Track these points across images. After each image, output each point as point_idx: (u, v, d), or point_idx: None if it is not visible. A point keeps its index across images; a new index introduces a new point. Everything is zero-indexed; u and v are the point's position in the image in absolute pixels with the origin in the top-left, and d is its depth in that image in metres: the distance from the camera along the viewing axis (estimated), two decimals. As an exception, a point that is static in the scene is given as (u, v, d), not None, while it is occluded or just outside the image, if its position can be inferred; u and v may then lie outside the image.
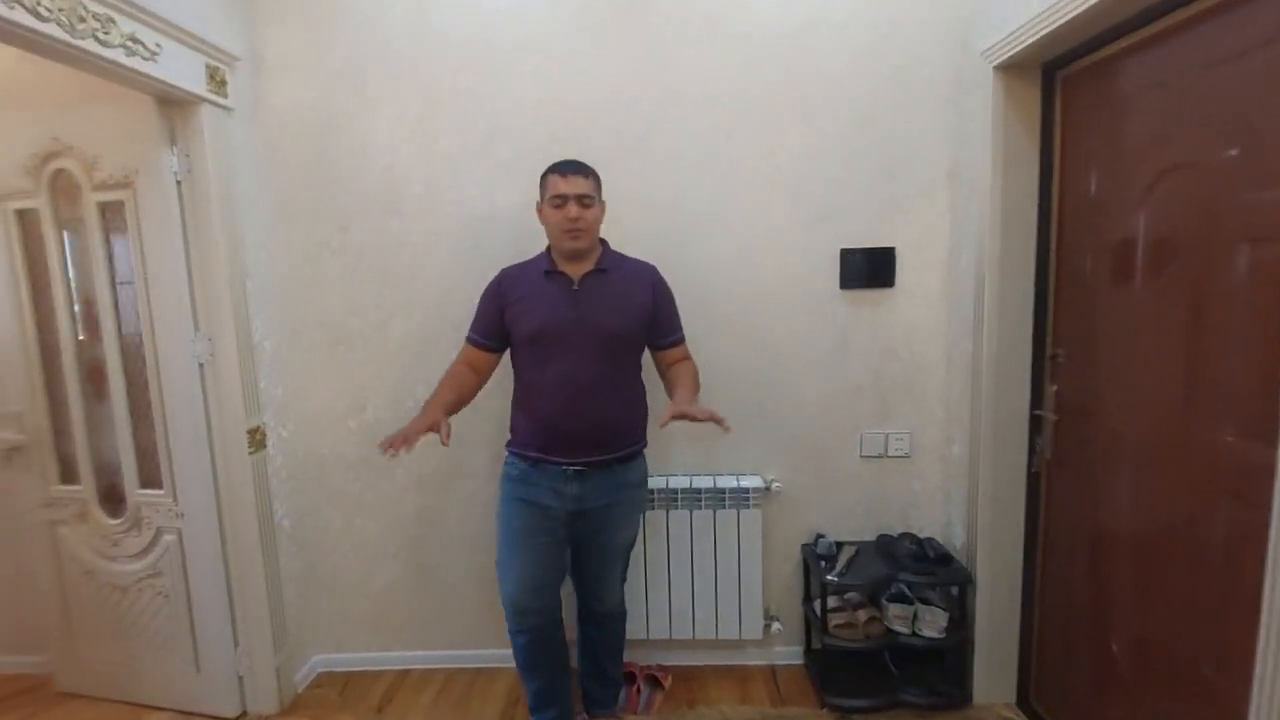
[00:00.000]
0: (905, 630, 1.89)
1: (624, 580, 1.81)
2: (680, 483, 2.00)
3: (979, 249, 1.78)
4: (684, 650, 2.11)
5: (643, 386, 1.71)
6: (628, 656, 2.11)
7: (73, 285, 1.92)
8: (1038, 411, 1.75)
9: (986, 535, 1.83)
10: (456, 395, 1.62)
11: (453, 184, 1.98)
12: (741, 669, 2.14)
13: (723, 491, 1.98)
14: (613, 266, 1.64)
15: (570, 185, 1.56)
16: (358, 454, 2.08)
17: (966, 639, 1.89)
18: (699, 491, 1.99)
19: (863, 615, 1.92)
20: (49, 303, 1.93)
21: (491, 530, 1.74)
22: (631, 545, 1.79)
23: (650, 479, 1.98)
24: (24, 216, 1.91)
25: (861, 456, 2.05)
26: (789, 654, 2.15)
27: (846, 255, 1.96)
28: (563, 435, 1.57)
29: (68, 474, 1.99)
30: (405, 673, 2.17)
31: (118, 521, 1.96)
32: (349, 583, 2.15)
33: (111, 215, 1.84)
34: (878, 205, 1.95)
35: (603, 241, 1.68)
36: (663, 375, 1.72)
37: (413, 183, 1.98)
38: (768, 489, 2.02)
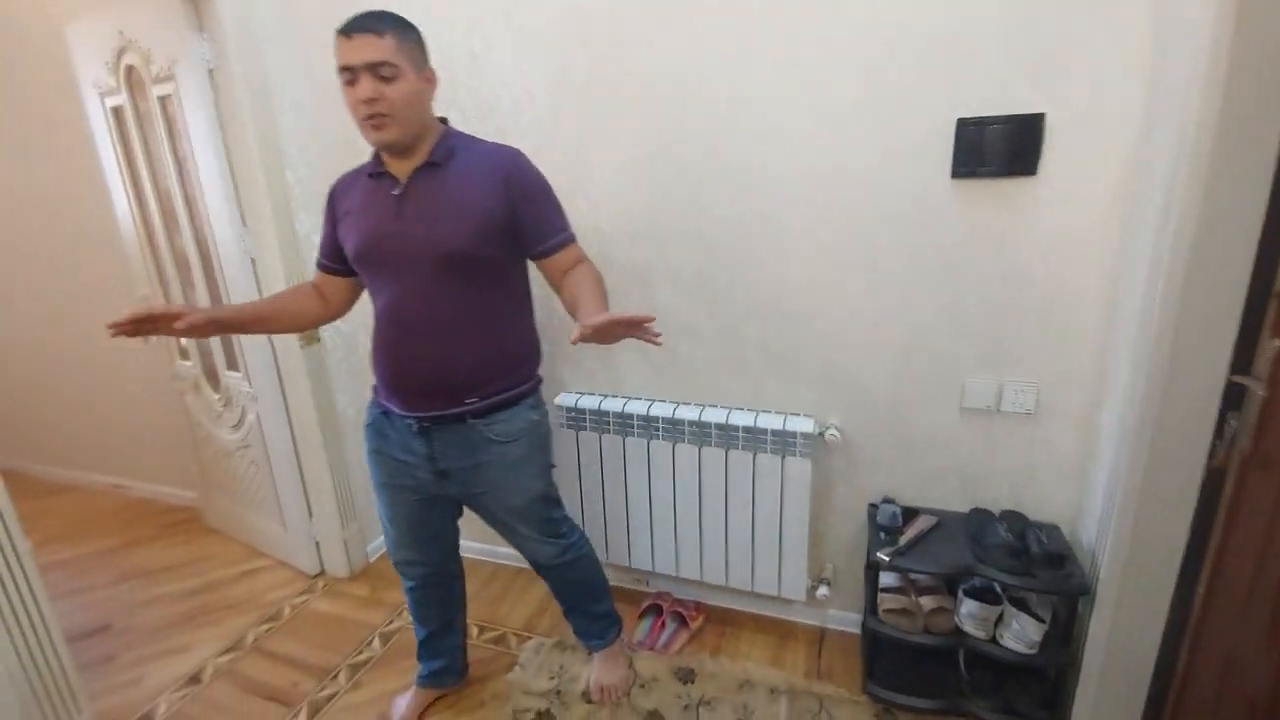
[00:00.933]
0: (981, 635, 1.47)
1: (557, 533, 1.50)
2: (715, 416, 1.69)
3: (1187, 124, 1.10)
4: (725, 593, 1.91)
5: (521, 318, 1.36)
6: (664, 586, 1.98)
7: (153, 179, 2.06)
8: (1239, 378, 1.13)
9: (1129, 539, 1.29)
10: (266, 309, 1.38)
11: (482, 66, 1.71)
12: (786, 625, 1.89)
13: (764, 432, 1.64)
14: (449, 158, 1.21)
15: (357, 51, 1.10)
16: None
17: (1069, 661, 1.43)
18: (735, 429, 1.67)
19: (928, 603, 1.54)
20: (143, 195, 2.10)
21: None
22: (543, 500, 1.44)
23: (681, 407, 1.71)
24: (118, 113, 2.06)
25: (962, 409, 1.56)
26: (845, 620, 1.84)
27: (965, 129, 1.37)
28: (392, 382, 1.29)
29: (184, 352, 2.27)
30: (459, 560, 2.27)
31: (218, 396, 2.21)
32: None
33: (169, 109, 1.90)
34: (1021, 49, 1.30)
35: (442, 121, 1.26)
36: (559, 295, 1.29)
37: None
38: (821, 436, 1.64)
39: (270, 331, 1.56)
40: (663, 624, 1.87)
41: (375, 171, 1.25)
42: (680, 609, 1.90)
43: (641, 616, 1.92)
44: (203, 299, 2.08)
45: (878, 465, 1.67)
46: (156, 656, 1.88)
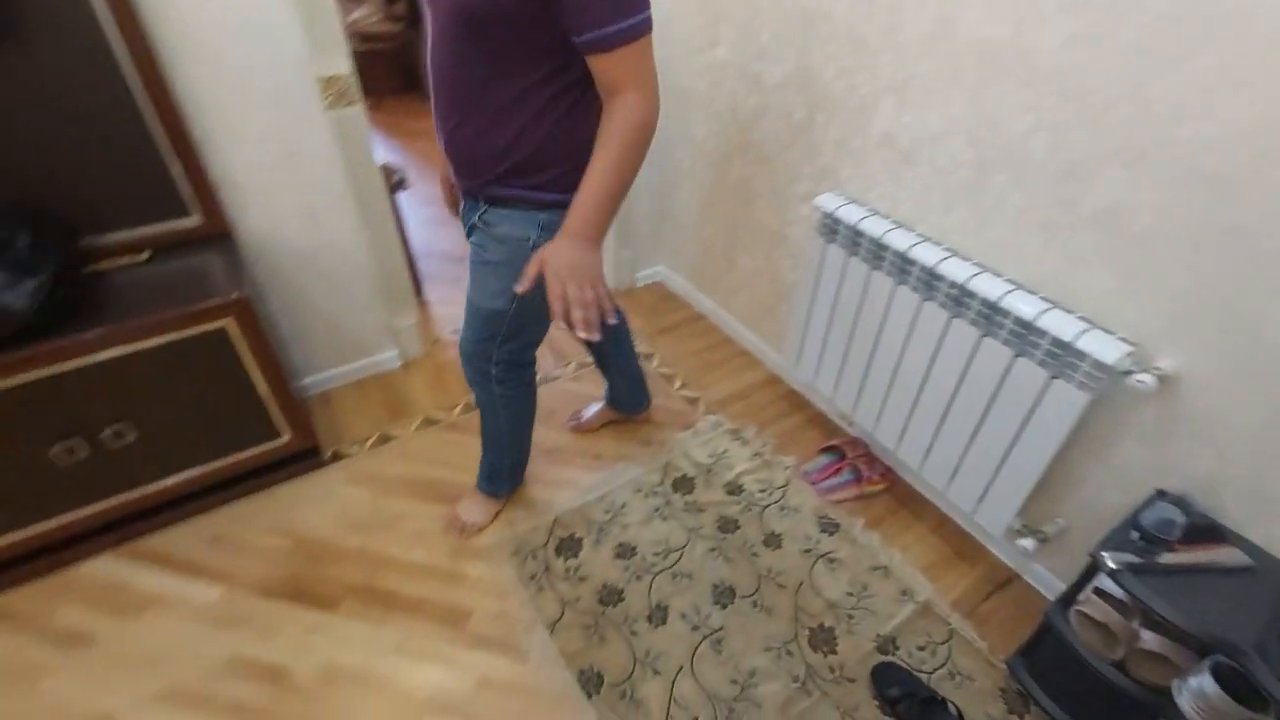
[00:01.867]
0: (1201, 722, 1.03)
1: (485, 369, 1.34)
2: (987, 287, 1.26)
3: None
4: (917, 479, 1.65)
5: (559, 113, 1.03)
6: (865, 435, 1.80)
7: None
8: None
9: None
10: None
11: None
12: (972, 545, 1.60)
13: (1041, 334, 1.18)
14: None
15: None
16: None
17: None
18: (1004, 314, 1.23)
19: (1148, 641, 1.10)
20: None
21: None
22: (490, 322, 1.25)
23: (952, 260, 1.34)
24: None
25: None
26: (1043, 580, 1.47)
27: None
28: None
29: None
30: (701, 318, 2.36)
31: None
32: (692, 219, 2.27)
33: None
34: None
35: None
36: None
37: None
38: (1125, 375, 1.10)
39: None
40: (838, 469, 1.74)
41: None
42: (863, 466, 1.73)
43: (823, 451, 1.81)
44: None
45: (1208, 444, 1.09)
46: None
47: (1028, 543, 1.38)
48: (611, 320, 1.00)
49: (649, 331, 2.29)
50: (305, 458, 1.75)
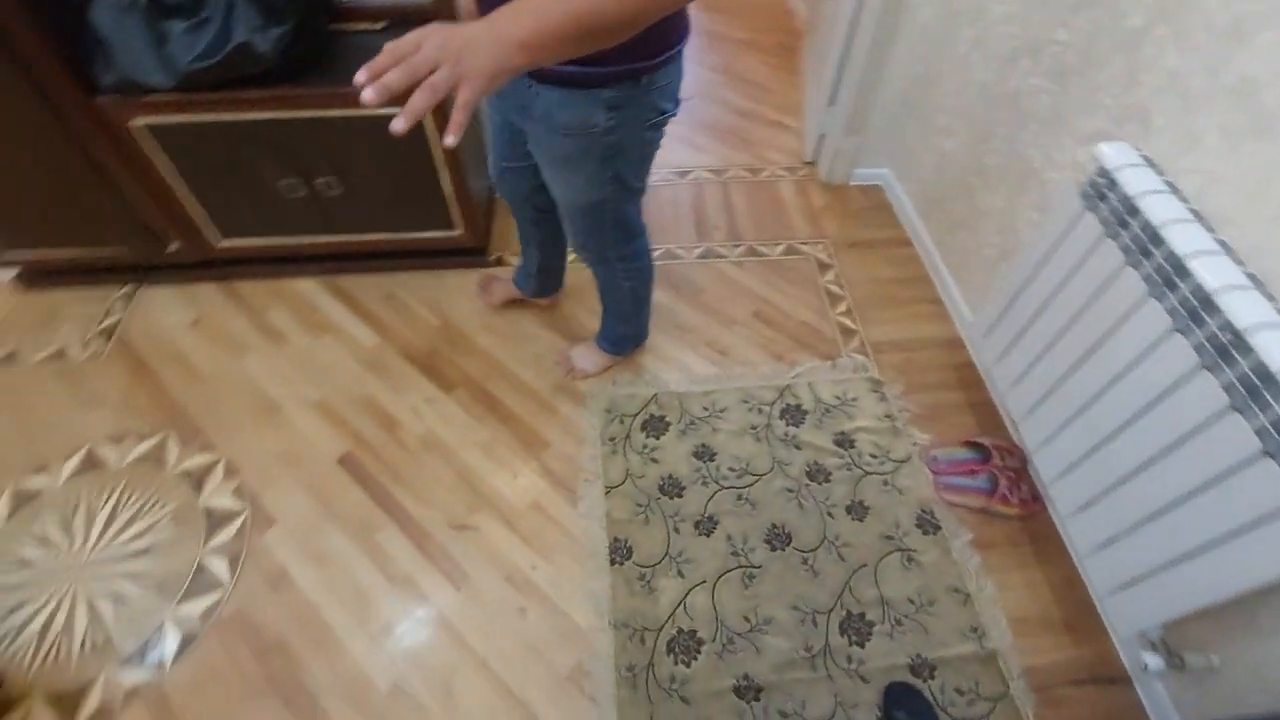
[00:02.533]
0: None
1: (599, 251, 1.33)
2: None
3: None
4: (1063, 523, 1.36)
5: None
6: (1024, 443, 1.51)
7: None
8: None
9: None
10: None
11: None
12: (1093, 624, 1.32)
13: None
14: None
15: None
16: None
17: None
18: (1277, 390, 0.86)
19: None
20: None
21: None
22: (592, 211, 1.19)
23: (1250, 294, 0.97)
24: None
25: None
26: (1160, 705, 1.19)
27: None
28: None
29: None
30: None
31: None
32: (941, 125, 1.85)
33: None
34: None
35: None
36: None
37: None
38: None
39: None
40: (974, 470, 1.49)
41: None
42: (1007, 481, 1.45)
43: (968, 444, 1.55)
44: None
45: None
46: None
47: (1154, 659, 1.09)
48: (448, 140, 0.64)
49: (839, 240, 2.02)
50: (473, 254, 1.90)
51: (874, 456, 1.54)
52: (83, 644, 1.25)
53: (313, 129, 1.50)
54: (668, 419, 1.60)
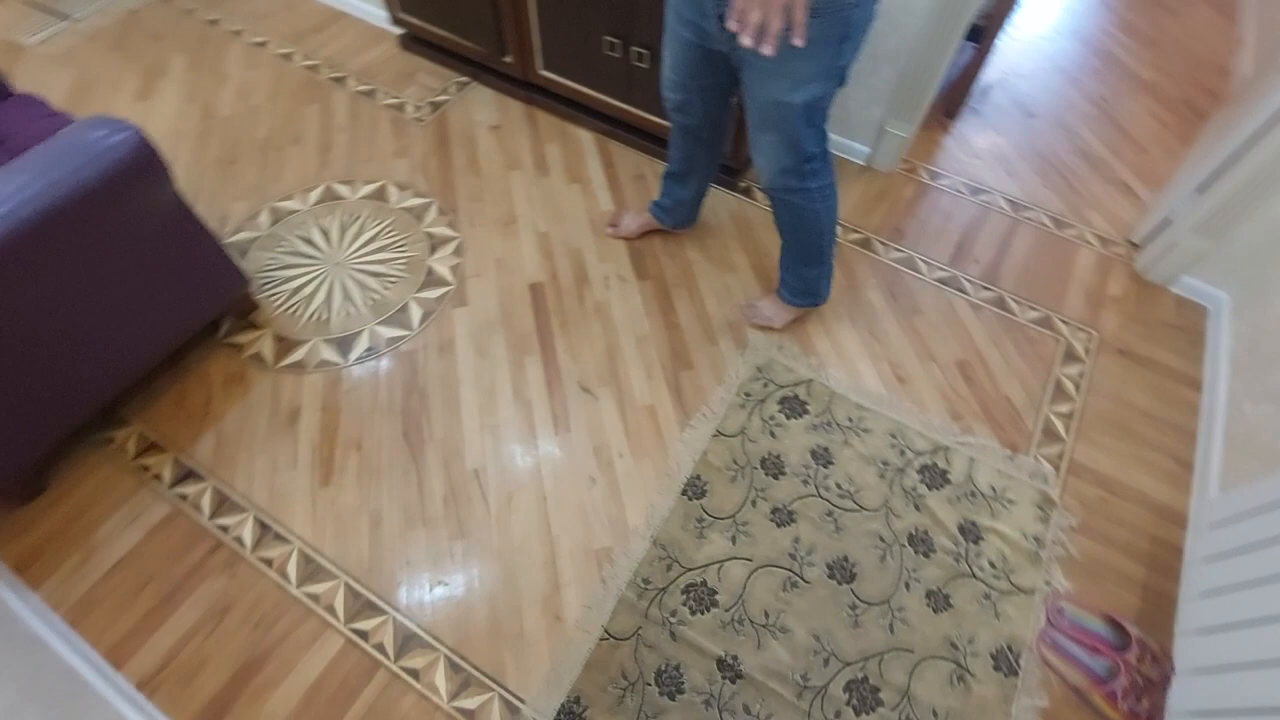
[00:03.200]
0: None
1: (798, 168, 1.26)
2: None
3: None
4: None
5: None
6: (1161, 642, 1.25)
7: None
8: None
9: None
10: None
11: None
12: None
13: None
14: None
15: None
16: None
17: None
18: None
19: None
20: None
21: None
22: (800, 117, 1.15)
23: None
24: None
25: None
26: None
27: None
28: None
29: None
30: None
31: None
32: None
33: None
34: None
35: None
36: None
37: None
38: None
39: None
40: (1099, 650, 1.26)
41: None
42: (1132, 685, 1.21)
43: (1109, 619, 1.31)
44: None
45: None
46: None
47: None
48: (797, 40, 0.85)
49: (1110, 340, 1.70)
50: (727, 172, 1.94)
51: (993, 566, 1.37)
52: (312, 314, 1.65)
53: (654, 3, 1.60)
54: (809, 407, 1.56)
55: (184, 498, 1.37)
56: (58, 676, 1.12)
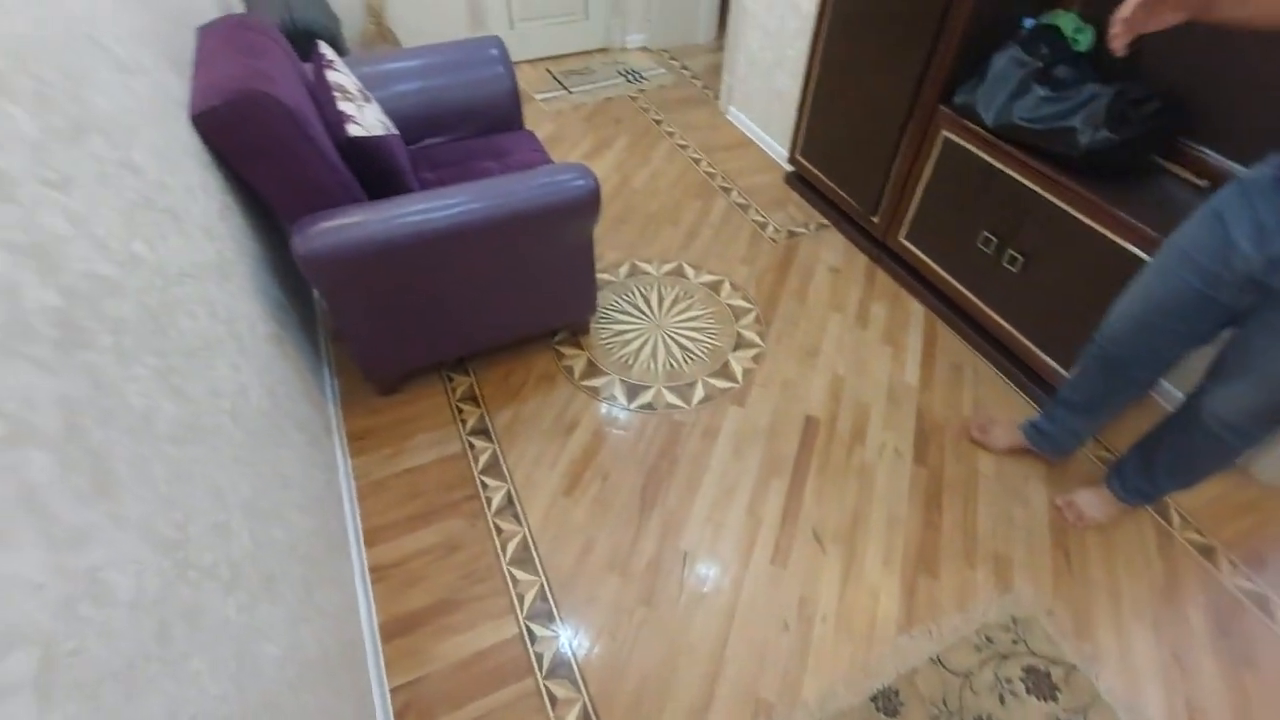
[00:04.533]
0: None
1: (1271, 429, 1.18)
2: None
3: None
4: None
5: None
6: None
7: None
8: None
9: None
10: None
11: None
12: None
13: None
14: None
15: None
16: None
17: None
18: None
19: None
20: None
21: None
22: None
23: None
24: None
25: None
26: None
27: None
28: None
29: None
30: None
31: None
32: None
33: None
34: None
35: None
36: None
37: None
38: None
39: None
40: None
41: None
42: None
43: None
44: None
45: None
46: None
47: None
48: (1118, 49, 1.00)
49: None
50: (1044, 389, 1.78)
51: None
52: (622, 357, 1.91)
53: (1050, 218, 1.59)
54: (1059, 695, 1.29)
55: (472, 446, 1.67)
56: (338, 526, 1.43)
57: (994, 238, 1.76)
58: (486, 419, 1.73)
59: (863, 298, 2.13)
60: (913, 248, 2.07)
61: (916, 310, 2.09)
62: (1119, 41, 0.99)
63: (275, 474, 1.11)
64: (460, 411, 1.74)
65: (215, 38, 1.44)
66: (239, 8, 2.25)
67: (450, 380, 1.82)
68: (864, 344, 1.98)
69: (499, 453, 1.65)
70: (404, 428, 1.70)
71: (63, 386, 0.60)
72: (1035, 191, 1.60)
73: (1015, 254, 1.71)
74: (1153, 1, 0.93)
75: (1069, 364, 1.68)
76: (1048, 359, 1.74)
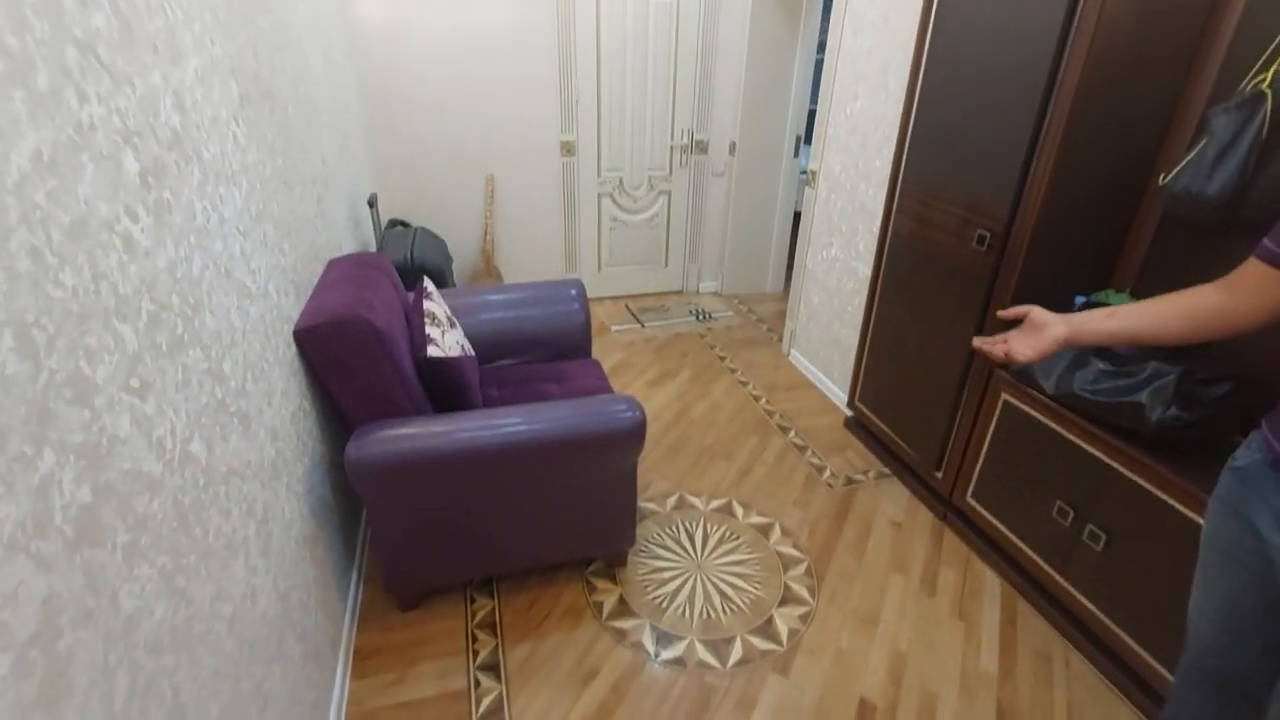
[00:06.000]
0: None
1: None
2: None
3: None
4: None
5: None
6: None
7: None
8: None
9: None
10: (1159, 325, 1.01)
11: None
12: None
13: None
14: None
15: None
16: None
17: None
18: None
19: None
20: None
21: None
22: None
23: None
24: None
25: None
26: None
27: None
28: None
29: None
30: None
31: None
32: None
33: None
34: None
35: None
36: None
37: None
38: None
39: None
40: None
41: None
42: None
43: None
44: None
45: None
46: None
47: None
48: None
49: None
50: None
51: None
52: (656, 598, 1.77)
53: (1130, 494, 1.46)
54: None
55: (478, 684, 1.52)
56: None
57: (1070, 509, 1.61)
58: (500, 652, 1.59)
59: (928, 559, 1.94)
60: (982, 510, 1.92)
61: (992, 580, 1.87)
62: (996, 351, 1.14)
63: (256, 692, 1.04)
64: (475, 639, 1.62)
65: (339, 269, 1.70)
66: (373, 245, 2.70)
67: (473, 601, 1.73)
68: (931, 615, 1.75)
69: (504, 696, 1.49)
70: (413, 651, 1.59)
71: (54, 584, 0.61)
72: (1109, 464, 1.50)
73: (1096, 530, 1.55)
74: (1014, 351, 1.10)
75: (1174, 667, 1.39)
76: (1148, 657, 1.46)
